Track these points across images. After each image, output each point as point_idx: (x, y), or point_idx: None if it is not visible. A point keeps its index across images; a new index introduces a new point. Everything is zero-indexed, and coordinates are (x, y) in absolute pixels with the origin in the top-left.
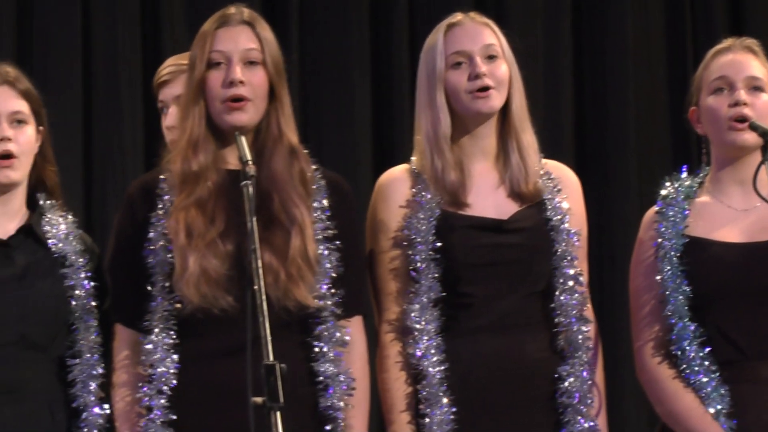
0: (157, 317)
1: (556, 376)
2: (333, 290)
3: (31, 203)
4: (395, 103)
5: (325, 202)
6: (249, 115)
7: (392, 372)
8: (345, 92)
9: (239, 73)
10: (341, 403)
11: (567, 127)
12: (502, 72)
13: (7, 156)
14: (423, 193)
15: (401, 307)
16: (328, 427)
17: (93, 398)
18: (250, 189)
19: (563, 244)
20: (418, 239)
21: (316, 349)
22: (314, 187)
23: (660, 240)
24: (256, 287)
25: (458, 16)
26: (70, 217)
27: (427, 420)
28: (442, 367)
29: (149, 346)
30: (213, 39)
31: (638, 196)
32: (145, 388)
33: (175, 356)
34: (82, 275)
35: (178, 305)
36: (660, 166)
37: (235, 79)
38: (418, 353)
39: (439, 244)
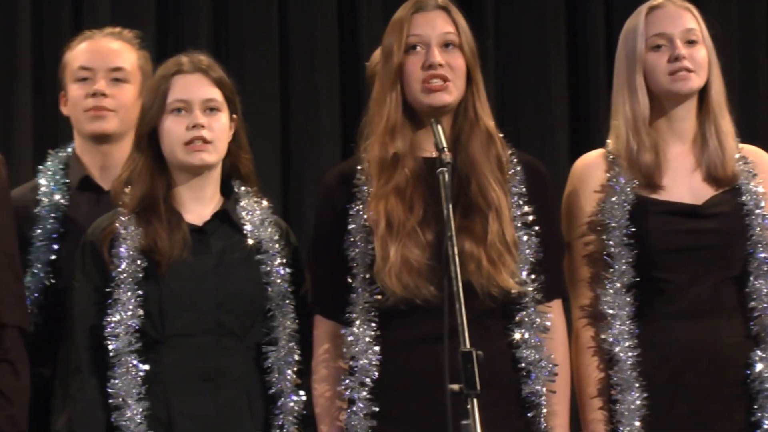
0: (358, 309)
1: (749, 361)
2: (533, 275)
3: (226, 191)
4: (591, 88)
5: (522, 187)
6: (452, 96)
7: (585, 357)
8: (541, 77)
9: (439, 56)
10: (544, 389)
11: (762, 114)
12: (701, 56)
13: (201, 142)
14: (618, 178)
15: (594, 292)
16: (530, 414)
17: (289, 385)
18: (446, 176)
19: (758, 229)
20: (613, 224)
21: (518, 336)
22: (511, 171)
23: None
24: (453, 274)
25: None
26: (265, 203)
27: (620, 406)
28: (635, 353)
29: (351, 339)
30: (410, 24)
31: None
32: (347, 381)
33: (376, 348)
34: (278, 261)
35: (379, 297)
36: None
37: (435, 62)
38: (611, 338)
39: (633, 229)
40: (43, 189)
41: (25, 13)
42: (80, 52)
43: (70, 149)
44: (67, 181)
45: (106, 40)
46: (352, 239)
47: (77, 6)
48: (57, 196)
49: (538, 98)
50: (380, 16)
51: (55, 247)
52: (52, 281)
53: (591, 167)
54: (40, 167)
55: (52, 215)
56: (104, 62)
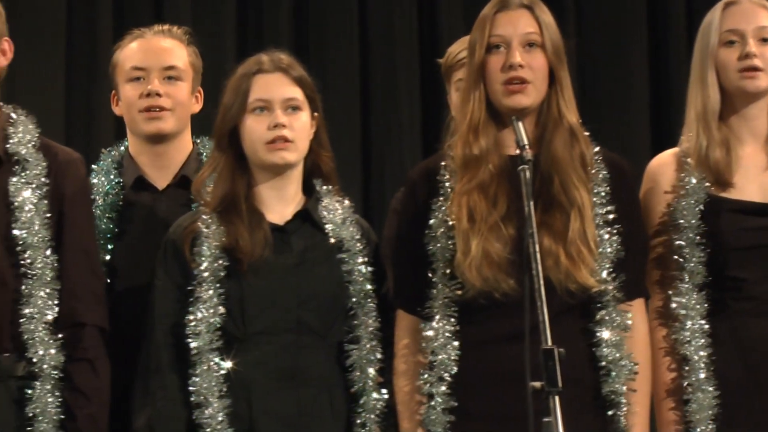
0: (438, 304)
1: None
2: (614, 274)
3: (307, 190)
4: (673, 86)
5: (605, 185)
6: (530, 98)
7: (657, 358)
8: (622, 75)
9: (519, 57)
10: (623, 388)
11: None
12: None
13: (283, 142)
14: (689, 178)
15: (666, 292)
16: (609, 412)
17: (371, 383)
18: (527, 173)
19: None
20: (684, 224)
21: (598, 334)
22: (595, 169)
23: None
24: (534, 271)
25: None
26: (346, 202)
27: (692, 405)
28: (708, 352)
29: (430, 333)
30: (492, 23)
31: None
32: (425, 375)
33: (455, 343)
34: (359, 260)
35: (459, 292)
36: None
37: (515, 63)
38: (683, 338)
39: (705, 228)
40: (97, 189)
41: (106, 16)
42: (132, 52)
43: (123, 148)
44: (121, 180)
45: (157, 38)
46: (432, 234)
47: (159, 7)
48: (111, 196)
49: (619, 97)
50: (460, 12)
51: (110, 247)
52: (108, 281)
53: (663, 167)
54: (94, 167)
55: (107, 215)
56: (157, 61)
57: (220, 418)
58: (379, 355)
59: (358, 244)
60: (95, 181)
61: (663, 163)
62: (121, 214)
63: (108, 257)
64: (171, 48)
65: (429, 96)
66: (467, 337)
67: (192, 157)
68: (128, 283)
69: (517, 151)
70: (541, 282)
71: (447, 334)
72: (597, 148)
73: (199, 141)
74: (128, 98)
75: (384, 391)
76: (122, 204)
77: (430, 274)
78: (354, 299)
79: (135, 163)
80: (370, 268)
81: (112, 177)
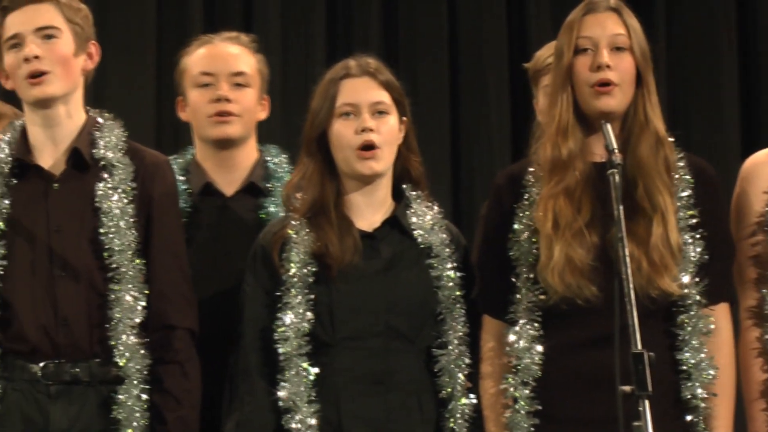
0: (522, 308)
1: None
2: (697, 278)
3: (397, 194)
4: (763, 88)
5: (690, 190)
6: (617, 101)
7: (748, 359)
8: (712, 78)
9: (607, 58)
10: (704, 392)
11: None
12: None
13: (370, 147)
14: None
15: (760, 293)
16: (689, 417)
17: (459, 388)
18: (617, 177)
19: None
20: None
21: (680, 338)
22: (679, 175)
23: None
24: (623, 276)
25: None
26: (435, 207)
27: None
28: None
29: (513, 338)
30: (580, 26)
31: None
32: (509, 379)
33: (539, 347)
34: (448, 265)
35: (542, 297)
36: None
37: (603, 63)
38: None
39: None
40: None
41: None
42: (200, 58)
43: (189, 155)
44: (188, 187)
45: (225, 44)
46: (516, 239)
47: (248, 13)
48: (179, 203)
49: (709, 100)
50: (548, 16)
51: None
52: None
53: (759, 166)
54: None
55: None
56: (225, 67)
57: (309, 423)
58: (467, 361)
59: (447, 250)
60: None
61: (759, 162)
62: (189, 220)
63: None
64: (239, 54)
65: (518, 100)
66: (551, 342)
67: (258, 164)
68: (197, 289)
69: (601, 159)
70: (631, 286)
71: (531, 339)
72: (681, 154)
73: (264, 149)
74: (196, 103)
75: (472, 396)
76: (190, 210)
77: (513, 279)
78: (443, 304)
79: (202, 169)
80: (459, 274)
81: (179, 184)
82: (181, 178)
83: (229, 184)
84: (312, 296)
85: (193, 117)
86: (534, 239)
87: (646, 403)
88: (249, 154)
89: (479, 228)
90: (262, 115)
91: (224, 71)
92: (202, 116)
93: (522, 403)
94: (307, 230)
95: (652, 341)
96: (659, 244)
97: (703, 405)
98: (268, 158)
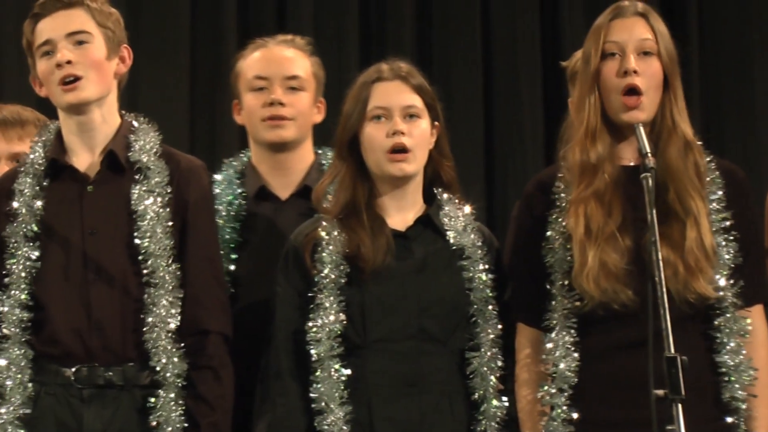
0: (557, 315)
1: None
2: (732, 281)
3: (428, 198)
4: None
5: (720, 193)
6: (645, 113)
7: None
8: (745, 81)
9: (634, 63)
10: (744, 394)
11: None
12: None
13: (401, 150)
14: None
15: None
16: (728, 419)
17: (492, 390)
18: (650, 181)
19: None
20: None
21: (717, 340)
22: (709, 178)
23: None
24: (656, 279)
25: None
26: (467, 209)
27: None
28: None
29: (550, 345)
30: (607, 30)
31: None
32: (546, 387)
33: (576, 354)
34: (481, 267)
35: (578, 303)
36: None
37: (630, 68)
38: None
39: None
40: (220, 199)
41: (230, 26)
42: (254, 61)
43: (245, 158)
44: (244, 190)
45: (279, 47)
46: (550, 246)
47: (281, 17)
48: (234, 206)
49: (742, 102)
50: (582, 19)
51: (234, 256)
52: (232, 290)
53: None
54: (217, 177)
55: (230, 225)
56: (280, 70)
57: (341, 425)
58: (500, 363)
59: (480, 251)
60: (218, 191)
61: None
62: (245, 223)
63: (232, 267)
64: (293, 58)
65: (551, 104)
66: (587, 348)
67: (314, 167)
68: (252, 293)
69: (630, 163)
70: (664, 290)
71: (567, 346)
72: (709, 157)
73: (321, 151)
74: (251, 107)
75: (504, 399)
76: (245, 214)
77: (548, 286)
78: (475, 306)
79: (257, 172)
80: (491, 276)
81: (234, 187)
82: (237, 181)
83: (283, 187)
84: (344, 298)
85: (248, 120)
86: (568, 246)
87: (680, 406)
88: (304, 157)
89: (510, 230)
90: (318, 117)
91: (278, 75)
92: (256, 120)
93: (558, 410)
94: (339, 231)
95: (690, 344)
96: (694, 248)
97: (743, 406)
98: (324, 161)
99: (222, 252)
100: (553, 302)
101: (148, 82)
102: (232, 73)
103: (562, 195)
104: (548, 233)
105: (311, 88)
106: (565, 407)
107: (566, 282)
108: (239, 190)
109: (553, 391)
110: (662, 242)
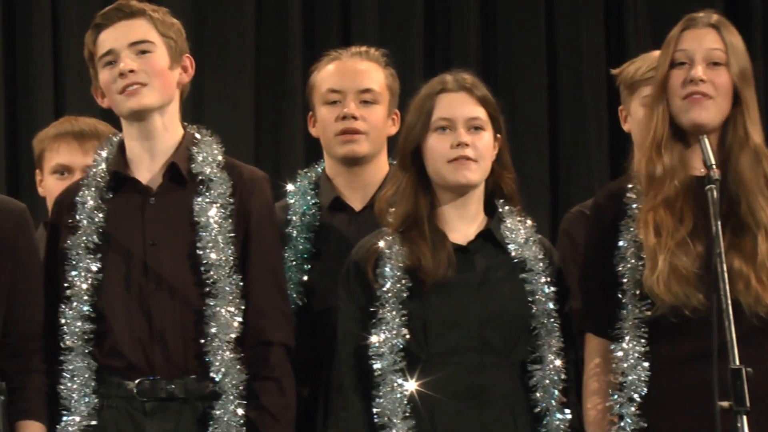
0: (628, 325)
1: None
2: None
3: (489, 211)
4: None
5: None
6: (710, 114)
7: None
8: None
9: (701, 72)
10: None
11: None
12: None
13: (465, 160)
14: None
15: None
16: None
17: (554, 403)
18: (715, 193)
19: None
20: None
21: None
22: None
23: None
24: (721, 292)
25: None
26: (529, 222)
27: None
28: None
29: (620, 354)
30: (678, 39)
31: None
32: (615, 396)
33: (645, 364)
34: (543, 280)
35: (648, 312)
36: None
37: (696, 77)
38: None
39: None
40: (294, 209)
41: (295, 37)
42: (328, 74)
43: (320, 169)
44: (318, 201)
45: (353, 60)
46: (621, 255)
47: (346, 28)
48: (308, 217)
49: None
50: (647, 28)
51: (307, 267)
52: (304, 301)
53: None
54: (291, 187)
55: (304, 236)
56: (353, 84)
57: None
58: (563, 376)
59: (541, 264)
60: (292, 201)
61: None
62: (318, 234)
63: (305, 277)
64: (367, 70)
65: (616, 116)
66: (657, 357)
67: (388, 179)
68: (325, 304)
69: (701, 173)
70: (729, 302)
71: (637, 355)
72: None
73: (395, 163)
74: (324, 120)
75: (567, 411)
76: (319, 225)
77: (619, 295)
78: (537, 319)
79: (332, 184)
80: (553, 288)
81: (308, 198)
82: (311, 191)
83: (358, 199)
84: (406, 312)
85: (322, 134)
86: (640, 254)
87: (744, 418)
88: (379, 169)
89: (561, 243)
90: (392, 130)
91: (352, 88)
92: (329, 134)
93: (628, 420)
94: (401, 244)
95: (761, 355)
96: (766, 261)
97: None
98: None
99: (295, 262)
100: (624, 311)
101: (213, 93)
102: (307, 85)
103: (633, 205)
104: (620, 243)
105: (385, 101)
106: (634, 417)
107: (638, 291)
108: (313, 201)
109: (623, 400)
110: (735, 254)
